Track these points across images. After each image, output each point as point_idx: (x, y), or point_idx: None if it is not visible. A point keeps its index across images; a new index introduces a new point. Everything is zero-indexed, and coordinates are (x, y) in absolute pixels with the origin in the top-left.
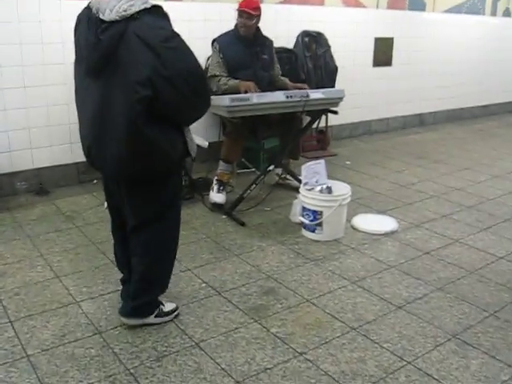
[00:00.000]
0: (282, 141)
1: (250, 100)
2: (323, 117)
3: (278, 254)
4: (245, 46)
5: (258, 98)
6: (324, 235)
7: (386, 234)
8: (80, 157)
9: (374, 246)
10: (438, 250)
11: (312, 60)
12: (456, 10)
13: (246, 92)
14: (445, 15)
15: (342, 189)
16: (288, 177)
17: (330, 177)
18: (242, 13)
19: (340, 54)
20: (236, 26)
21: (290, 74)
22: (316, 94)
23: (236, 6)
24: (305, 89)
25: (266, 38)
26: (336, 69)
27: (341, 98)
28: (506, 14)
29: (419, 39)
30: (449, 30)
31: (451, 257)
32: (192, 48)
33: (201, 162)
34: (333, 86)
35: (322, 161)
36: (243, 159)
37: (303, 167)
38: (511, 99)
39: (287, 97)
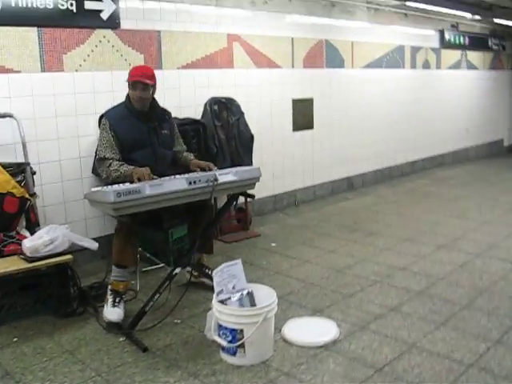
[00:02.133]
0: (190, 233)
1: (141, 192)
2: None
3: None
4: (140, 121)
5: (151, 188)
6: (248, 359)
7: (325, 346)
8: None
9: (313, 366)
10: (391, 362)
11: (224, 130)
12: (375, 64)
13: (139, 180)
14: (364, 71)
15: (264, 295)
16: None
17: (253, 268)
18: (136, 84)
19: (256, 120)
20: (127, 97)
21: (199, 148)
22: (226, 177)
23: (126, 74)
24: (210, 169)
25: (165, 110)
26: (252, 137)
27: (257, 178)
28: (426, 65)
29: (340, 98)
30: (370, 86)
31: (410, 372)
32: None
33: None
34: (250, 157)
35: (238, 261)
36: (148, 254)
37: (215, 272)
38: (438, 152)
39: (190, 183)
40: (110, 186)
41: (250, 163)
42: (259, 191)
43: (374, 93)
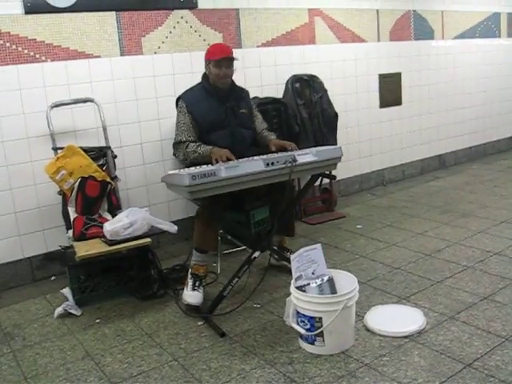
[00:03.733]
0: (271, 215)
1: (216, 174)
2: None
3: (263, 383)
4: (217, 101)
5: (227, 170)
6: (327, 348)
7: (410, 337)
8: (33, 250)
9: (396, 358)
10: (483, 357)
11: (306, 108)
12: (468, 34)
13: (217, 161)
14: (456, 41)
15: (345, 282)
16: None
17: (337, 251)
18: (222, 61)
19: (340, 97)
20: (205, 78)
21: (281, 128)
22: (305, 157)
23: (203, 54)
24: (291, 149)
25: (242, 89)
26: (336, 115)
27: (338, 158)
28: None
29: (430, 71)
30: (462, 57)
31: (503, 369)
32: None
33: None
34: (334, 136)
35: (318, 245)
36: (230, 237)
37: (293, 257)
38: None
39: (267, 164)
40: (186, 169)
41: (335, 142)
42: (345, 171)
43: (466, 65)
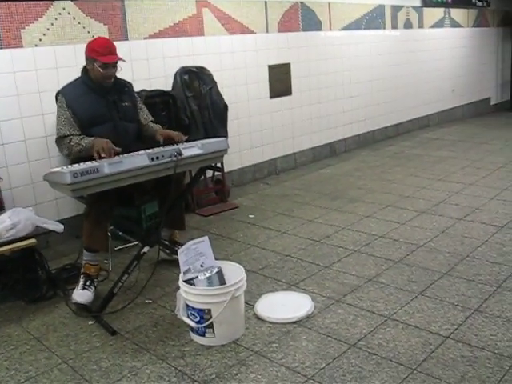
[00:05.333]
0: (160, 209)
1: (99, 171)
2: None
3: (155, 379)
4: (99, 96)
5: (110, 167)
6: (217, 339)
7: (299, 322)
8: None
9: (285, 344)
10: (366, 337)
11: (196, 100)
12: (354, 26)
13: (98, 154)
14: (343, 33)
15: (234, 272)
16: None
17: (229, 242)
18: (109, 64)
19: (231, 88)
20: (85, 72)
21: (170, 121)
22: (191, 150)
23: (82, 48)
24: (179, 140)
25: (124, 82)
26: (225, 107)
27: (224, 151)
28: (408, 25)
29: (319, 62)
30: (349, 48)
31: (385, 347)
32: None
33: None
34: (225, 127)
35: (205, 238)
36: (120, 233)
37: (180, 251)
38: (423, 114)
39: (152, 159)
40: (67, 166)
41: (225, 133)
42: (238, 161)
43: (354, 55)
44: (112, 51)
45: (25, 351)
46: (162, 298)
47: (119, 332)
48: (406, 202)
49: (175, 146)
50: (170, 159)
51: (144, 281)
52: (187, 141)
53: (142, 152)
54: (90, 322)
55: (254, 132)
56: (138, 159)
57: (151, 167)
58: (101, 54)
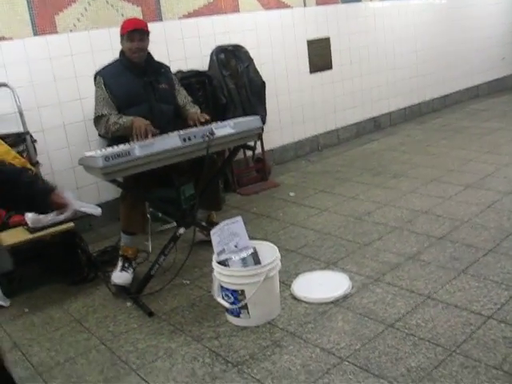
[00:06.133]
0: (196, 189)
1: (131, 154)
2: (259, 141)
3: (189, 360)
4: (136, 76)
5: (142, 149)
6: (252, 320)
7: (335, 302)
8: None
9: (320, 324)
10: (404, 317)
11: (233, 79)
12: None
13: (136, 136)
14: (385, 3)
15: (269, 252)
16: None
17: (268, 221)
18: (133, 34)
19: (269, 65)
20: (122, 54)
21: (207, 101)
22: (223, 130)
23: (116, 31)
24: (205, 120)
25: (161, 64)
26: (263, 84)
27: (258, 129)
28: None
29: (360, 34)
30: (391, 19)
31: (423, 327)
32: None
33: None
34: (263, 105)
35: (238, 218)
36: (160, 214)
37: (213, 232)
38: (472, 84)
39: (184, 140)
40: (101, 150)
41: (264, 111)
42: (279, 139)
43: (397, 26)
44: (135, 23)
45: (65, 333)
46: (200, 278)
47: (156, 313)
48: (451, 176)
49: (207, 126)
50: (202, 140)
51: (182, 262)
52: (224, 119)
53: (173, 133)
54: (129, 304)
55: (294, 108)
56: (169, 140)
57: (183, 148)
58: (126, 28)
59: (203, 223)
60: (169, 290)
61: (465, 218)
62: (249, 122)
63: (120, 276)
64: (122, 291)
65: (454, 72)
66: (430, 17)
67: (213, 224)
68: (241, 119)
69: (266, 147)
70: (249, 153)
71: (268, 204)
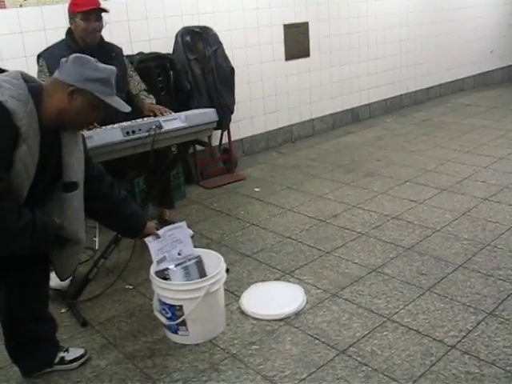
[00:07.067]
0: (146, 185)
1: None
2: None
3: (116, 381)
4: None
5: None
6: (191, 337)
7: (286, 319)
8: None
9: (266, 346)
10: (359, 342)
11: (199, 63)
12: None
13: None
14: None
15: (215, 262)
16: None
17: (228, 219)
18: (90, 14)
19: (241, 50)
20: (68, 33)
21: (168, 87)
22: (173, 123)
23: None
24: (159, 114)
25: (113, 47)
26: (232, 70)
27: (213, 123)
28: None
29: (341, 21)
30: (375, 5)
31: (378, 356)
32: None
33: None
34: (231, 92)
35: (182, 223)
36: None
37: (149, 239)
38: (457, 77)
39: (127, 133)
40: None
41: (232, 99)
42: (249, 129)
43: (381, 13)
44: (95, 2)
45: None
46: (144, 283)
47: (91, 323)
48: (426, 178)
49: (155, 119)
50: (147, 134)
51: (130, 263)
52: (188, 109)
53: (116, 125)
54: (63, 310)
55: (267, 97)
56: (110, 134)
57: (125, 143)
58: (81, 5)
59: (155, 221)
60: (109, 295)
61: (437, 226)
62: (203, 114)
63: (55, 278)
64: (57, 295)
65: (439, 64)
66: (416, 5)
67: (166, 222)
68: (194, 111)
69: (235, 137)
70: (215, 142)
71: (230, 200)
